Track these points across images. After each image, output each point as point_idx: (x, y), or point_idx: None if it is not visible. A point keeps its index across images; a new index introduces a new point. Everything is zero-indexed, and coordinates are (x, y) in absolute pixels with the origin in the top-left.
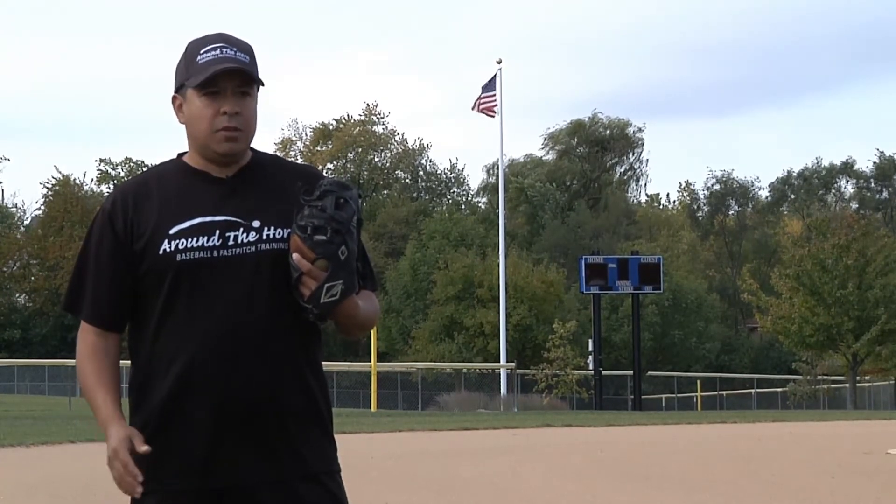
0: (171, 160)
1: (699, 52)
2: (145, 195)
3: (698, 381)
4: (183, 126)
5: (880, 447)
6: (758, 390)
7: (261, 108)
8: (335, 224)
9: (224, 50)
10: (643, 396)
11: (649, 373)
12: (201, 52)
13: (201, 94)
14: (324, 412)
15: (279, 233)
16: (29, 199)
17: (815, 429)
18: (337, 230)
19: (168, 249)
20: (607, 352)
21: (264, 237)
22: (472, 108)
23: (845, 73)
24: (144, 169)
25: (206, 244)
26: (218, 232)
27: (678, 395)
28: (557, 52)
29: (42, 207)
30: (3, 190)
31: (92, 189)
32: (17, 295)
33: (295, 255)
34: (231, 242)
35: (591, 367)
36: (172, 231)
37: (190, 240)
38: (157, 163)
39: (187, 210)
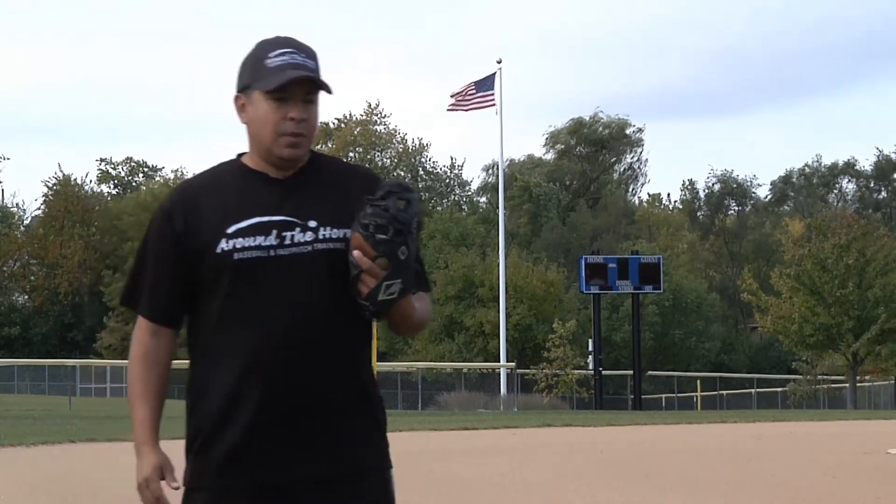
0: (230, 160)
1: (700, 53)
2: (204, 194)
3: (698, 381)
4: (241, 125)
5: (880, 447)
6: (758, 390)
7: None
8: (397, 224)
9: (294, 56)
10: (643, 396)
11: (649, 372)
12: (270, 55)
13: (269, 98)
14: (377, 409)
15: (335, 233)
16: (29, 199)
17: (815, 428)
18: (399, 230)
19: (225, 248)
20: (607, 351)
21: (320, 237)
22: (462, 107)
23: (846, 73)
24: (142, 169)
25: (262, 243)
26: (275, 231)
27: (678, 394)
28: (558, 53)
29: (42, 207)
30: (3, 189)
31: (93, 189)
32: (17, 294)
33: (356, 252)
34: (287, 242)
35: (591, 366)
36: (230, 230)
37: (247, 239)
38: (217, 162)
39: (245, 210)
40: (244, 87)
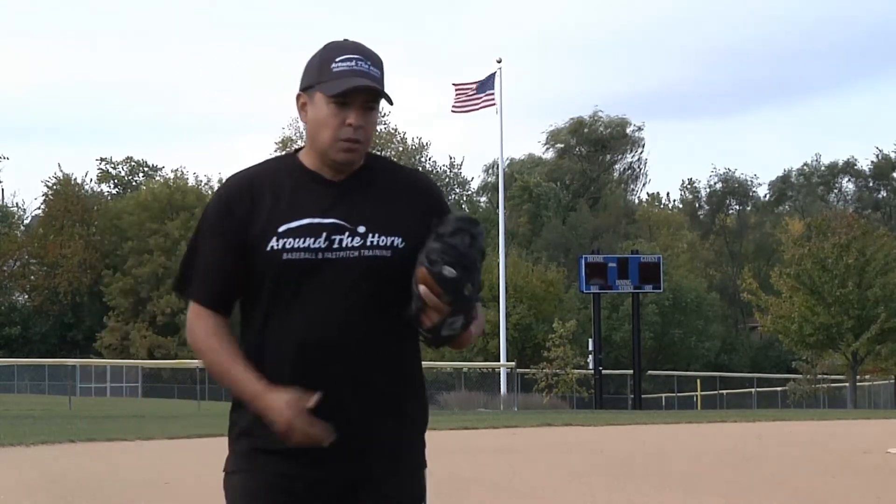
0: (288, 156)
1: (700, 53)
2: (260, 189)
3: (698, 380)
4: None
5: (880, 446)
6: (757, 389)
7: (263, 109)
8: (465, 261)
9: (360, 63)
10: (643, 395)
11: (649, 372)
12: (337, 59)
13: (330, 101)
14: (417, 409)
15: (383, 240)
16: (29, 198)
17: (816, 428)
18: (466, 267)
19: (275, 247)
20: (607, 351)
21: (368, 243)
22: (465, 109)
23: (845, 72)
24: (142, 168)
25: (311, 245)
26: (324, 234)
27: (678, 394)
28: (558, 52)
29: (42, 206)
30: (2, 189)
31: (93, 188)
32: (17, 294)
33: (422, 288)
34: (336, 246)
35: (591, 366)
36: (281, 229)
37: (297, 240)
38: (272, 156)
39: (297, 210)
40: (307, 87)
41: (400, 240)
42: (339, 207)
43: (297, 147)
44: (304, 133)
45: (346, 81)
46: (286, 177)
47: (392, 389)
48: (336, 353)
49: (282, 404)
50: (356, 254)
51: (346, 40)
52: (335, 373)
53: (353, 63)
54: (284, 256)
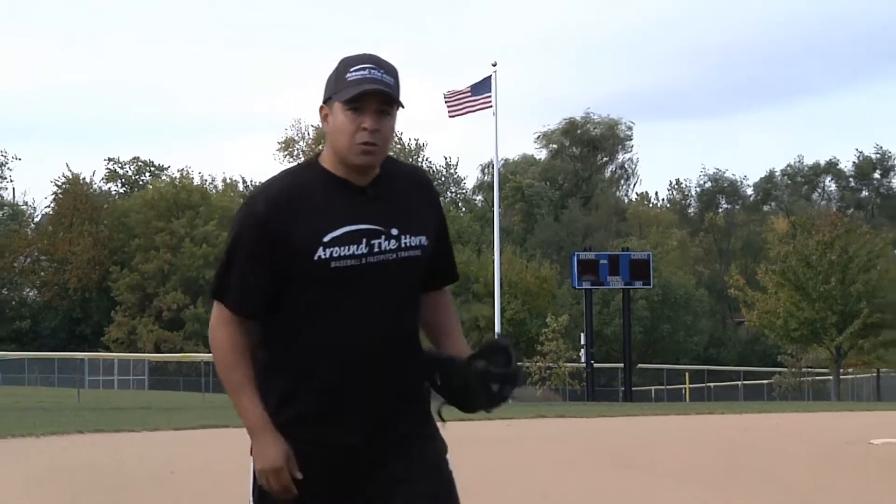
0: (311, 164)
1: (690, 56)
2: (295, 202)
3: (687, 374)
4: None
5: (863, 437)
6: (744, 382)
7: (264, 109)
8: (513, 380)
9: (372, 71)
10: (633, 388)
11: (639, 365)
12: (351, 69)
13: (346, 108)
14: (425, 388)
15: (413, 240)
16: (39, 197)
17: (801, 419)
18: (514, 383)
19: (323, 256)
20: (599, 345)
21: (402, 245)
22: (461, 112)
23: (830, 76)
24: (149, 168)
25: (355, 252)
26: (364, 240)
27: (667, 386)
28: (552, 55)
29: (52, 205)
30: (13, 188)
31: (100, 187)
32: (28, 289)
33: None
34: (376, 250)
35: (583, 359)
36: (326, 239)
37: (343, 248)
38: (294, 165)
39: (337, 218)
40: (327, 99)
41: (425, 238)
42: (371, 212)
43: (315, 153)
44: (328, 142)
45: (358, 87)
46: (317, 186)
47: (415, 373)
48: (377, 348)
49: (279, 451)
50: (393, 256)
51: (361, 53)
52: (374, 368)
53: (367, 71)
54: (333, 265)
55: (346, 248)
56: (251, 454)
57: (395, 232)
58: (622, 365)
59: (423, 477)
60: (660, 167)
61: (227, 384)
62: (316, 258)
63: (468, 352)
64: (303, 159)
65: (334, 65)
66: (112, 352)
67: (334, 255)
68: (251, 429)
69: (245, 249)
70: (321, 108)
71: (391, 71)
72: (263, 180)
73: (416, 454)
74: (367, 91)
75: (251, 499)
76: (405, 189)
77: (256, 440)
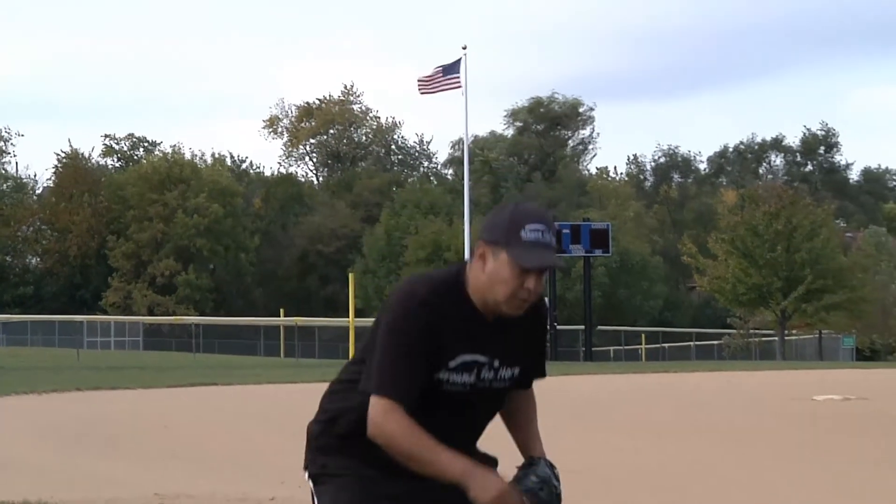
0: (458, 285)
1: (649, 39)
2: (442, 319)
3: (643, 335)
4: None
5: (806, 394)
6: (696, 343)
7: (252, 90)
8: (557, 500)
9: (545, 234)
10: (594, 348)
11: (599, 327)
12: (526, 226)
13: (516, 266)
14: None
15: (508, 372)
16: (41, 171)
17: (748, 377)
18: (559, 497)
19: (441, 378)
20: (561, 309)
21: (498, 377)
22: (431, 90)
23: (780, 57)
24: (143, 144)
25: (466, 381)
26: (475, 370)
27: (625, 347)
28: (519, 38)
29: (53, 178)
30: (17, 162)
31: (98, 162)
32: (30, 257)
33: None
34: (481, 378)
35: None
36: (451, 364)
37: (458, 374)
38: (442, 274)
39: (464, 346)
40: (493, 242)
41: (518, 369)
42: (488, 346)
43: (456, 267)
44: (473, 273)
45: (536, 257)
46: (459, 310)
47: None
48: (457, 446)
49: (497, 477)
50: (488, 385)
51: (535, 207)
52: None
53: (540, 234)
54: (444, 388)
55: (460, 375)
56: (471, 496)
57: (496, 364)
58: (583, 327)
59: None
60: (620, 144)
61: (419, 461)
62: (437, 377)
63: (541, 450)
64: (445, 267)
65: (506, 207)
66: (109, 315)
67: (450, 379)
68: (464, 473)
69: (415, 345)
70: (480, 243)
71: (554, 231)
72: (411, 278)
73: None
74: (545, 266)
75: None
76: (518, 321)
77: (473, 480)
